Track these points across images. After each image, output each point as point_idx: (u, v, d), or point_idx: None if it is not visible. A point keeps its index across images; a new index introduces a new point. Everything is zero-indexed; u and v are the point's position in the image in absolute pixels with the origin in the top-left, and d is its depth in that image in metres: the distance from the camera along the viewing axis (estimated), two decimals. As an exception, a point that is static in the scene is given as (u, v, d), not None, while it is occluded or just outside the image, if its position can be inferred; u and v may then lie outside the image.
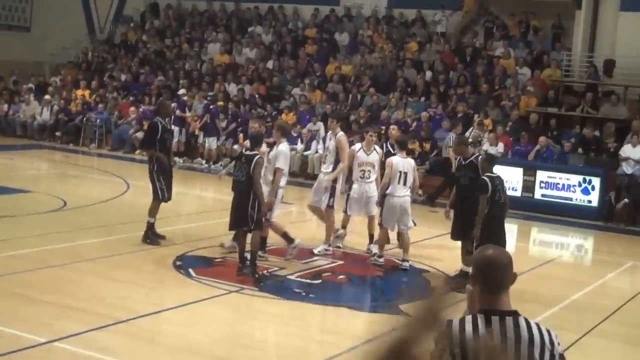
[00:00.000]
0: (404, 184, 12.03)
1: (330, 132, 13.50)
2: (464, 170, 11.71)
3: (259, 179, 11.03)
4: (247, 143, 13.55)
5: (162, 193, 12.80)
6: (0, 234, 12.80)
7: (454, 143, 13.17)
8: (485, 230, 10.76)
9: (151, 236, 12.77)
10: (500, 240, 10.78)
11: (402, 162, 12.10)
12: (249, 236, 11.14)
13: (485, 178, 11.01)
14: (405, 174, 12.02)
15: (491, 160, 11.68)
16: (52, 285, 10.40)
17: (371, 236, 13.18)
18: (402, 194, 12.04)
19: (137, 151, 23.99)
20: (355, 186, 12.93)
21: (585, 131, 20.39)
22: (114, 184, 18.71)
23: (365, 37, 27.63)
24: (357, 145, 13.21)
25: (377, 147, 13.26)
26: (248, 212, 10.91)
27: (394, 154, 12.67)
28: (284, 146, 11.90)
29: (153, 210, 12.83)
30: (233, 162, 11.88)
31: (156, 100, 21.34)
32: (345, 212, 13.22)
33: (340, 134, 13.03)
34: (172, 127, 15.30)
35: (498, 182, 11.14)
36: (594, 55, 23.78)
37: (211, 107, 24.49)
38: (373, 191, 12.81)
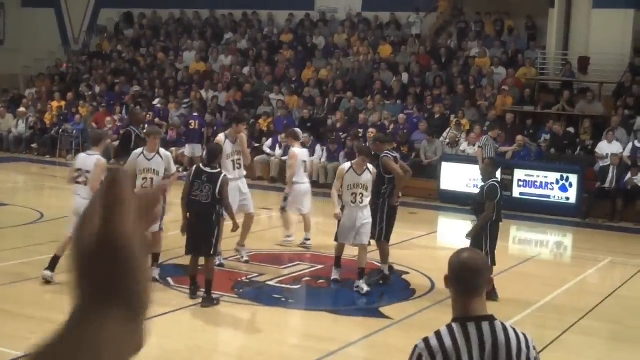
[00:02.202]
0: (305, 171, 13.54)
1: (229, 136, 12.37)
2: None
3: (229, 200, 10.24)
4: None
5: None
6: (-24, 249, 12.70)
7: (372, 139, 13.40)
8: (491, 235, 10.65)
9: None
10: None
11: (301, 153, 13.65)
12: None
13: (496, 183, 10.81)
14: (305, 162, 13.61)
15: (495, 165, 11.56)
16: (31, 298, 10.32)
17: (362, 270, 11.14)
18: (306, 180, 13.68)
19: (112, 161, 23.81)
20: (346, 212, 11.10)
21: (555, 128, 20.49)
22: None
23: (342, 41, 27.66)
24: (346, 165, 11.45)
25: (369, 166, 11.24)
26: (209, 238, 9.92)
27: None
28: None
29: None
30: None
31: (132, 109, 21.30)
32: (336, 240, 11.39)
33: (243, 135, 12.60)
34: None
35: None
36: (568, 53, 23.91)
37: (194, 114, 24.33)
38: (367, 217, 11.12)
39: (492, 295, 10.54)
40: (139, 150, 11.00)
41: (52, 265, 10.79)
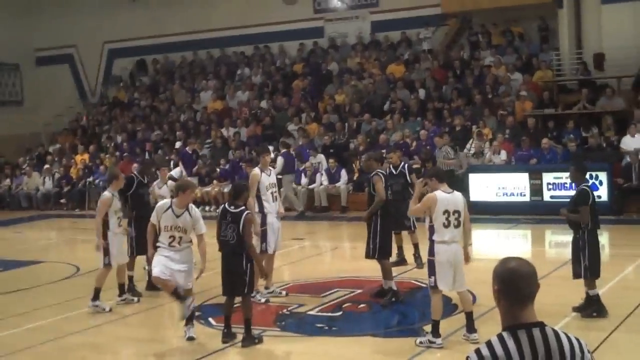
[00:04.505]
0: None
1: (263, 169, 12.26)
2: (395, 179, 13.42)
3: (252, 240, 9.95)
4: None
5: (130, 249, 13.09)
6: (16, 308, 12.78)
7: (364, 158, 13.17)
8: (589, 244, 10.33)
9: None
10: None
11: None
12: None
13: (586, 187, 10.46)
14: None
15: (581, 169, 10.87)
16: (75, 353, 10.35)
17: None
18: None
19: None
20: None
21: (590, 141, 20.28)
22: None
23: (354, 65, 27.73)
24: (438, 192, 9.55)
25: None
26: (241, 277, 9.73)
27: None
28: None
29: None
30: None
31: (154, 155, 21.51)
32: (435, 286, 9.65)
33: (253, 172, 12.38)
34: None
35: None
36: (582, 51, 23.83)
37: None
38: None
39: (602, 312, 10.37)
40: (167, 203, 10.27)
41: (96, 295, 12.05)
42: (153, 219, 10.25)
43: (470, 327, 9.57)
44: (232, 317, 10.09)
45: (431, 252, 9.55)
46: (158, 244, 10.15)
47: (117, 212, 12.29)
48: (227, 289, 9.91)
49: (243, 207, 9.89)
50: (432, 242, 9.54)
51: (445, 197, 9.48)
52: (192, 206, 10.23)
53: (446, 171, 15.63)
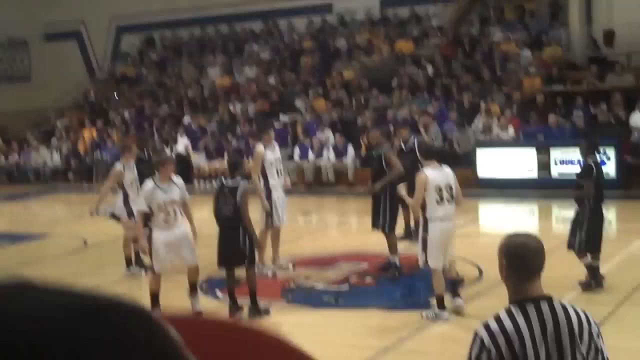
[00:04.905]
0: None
1: (266, 145, 12.34)
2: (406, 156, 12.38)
3: (248, 211, 9.94)
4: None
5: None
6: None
7: (372, 133, 13.01)
8: (589, 219, 10.44)
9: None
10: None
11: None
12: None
13: (591, 163, 10.57)
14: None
15: (588, 145, 10.85)
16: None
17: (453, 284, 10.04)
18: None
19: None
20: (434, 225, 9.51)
21: (598, 117, 20.15)
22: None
23: (363, 41, 27.62)
24: (427, 170, 9.60)
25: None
26: (240, 248, 9.79)
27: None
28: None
29: None
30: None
31: (161, 131, 21.47)
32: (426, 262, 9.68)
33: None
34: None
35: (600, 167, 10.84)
36: (592, 27, 23.69)
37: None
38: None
39: (597, 280, 10.40)
40: (150, 183, 9.99)
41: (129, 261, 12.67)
42: (142, 206, 10.06)
43: (454, 292, 9.80)
44: (239, 290, 10.15)
45: (425, 229, 9.58)
46: (154, 227, 9.98)
47: (132, 183, 12.45)
48: (225, 261, 9.97)
49: (240, 180, 9.94)
50: (425, 219, 9.56)
51: (434, 174, 9.46)
52: (173, 176, 10.14)
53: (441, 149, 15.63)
